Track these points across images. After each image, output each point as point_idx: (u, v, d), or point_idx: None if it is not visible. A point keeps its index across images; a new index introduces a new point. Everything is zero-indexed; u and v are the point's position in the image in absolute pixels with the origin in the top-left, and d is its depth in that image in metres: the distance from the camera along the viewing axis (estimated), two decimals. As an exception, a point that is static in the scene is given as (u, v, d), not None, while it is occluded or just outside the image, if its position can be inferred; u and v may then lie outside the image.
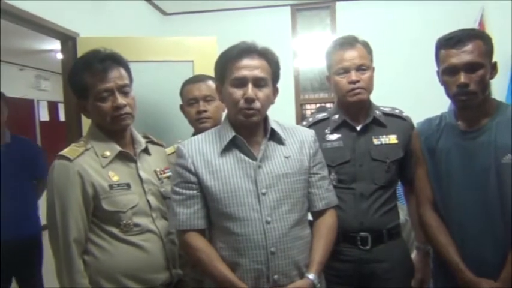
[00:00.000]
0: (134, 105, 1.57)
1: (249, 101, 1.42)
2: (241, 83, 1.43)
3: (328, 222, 1.56)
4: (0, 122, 2.87)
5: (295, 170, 1.49)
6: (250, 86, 1.42)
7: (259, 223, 1.41)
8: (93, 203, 1.47)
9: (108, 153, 1.52)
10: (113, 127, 1.54)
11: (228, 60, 1.46)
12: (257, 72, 1.43)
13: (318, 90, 4.69)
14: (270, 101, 1.50)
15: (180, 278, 1.64)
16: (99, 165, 1.50)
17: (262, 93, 1.44)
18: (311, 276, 1.44)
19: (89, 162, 1.48)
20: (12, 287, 2.96)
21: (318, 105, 4.59)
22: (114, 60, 1.53)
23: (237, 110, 1.44)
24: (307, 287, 1.43)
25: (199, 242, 1.45)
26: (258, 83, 1.44)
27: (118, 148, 1.54)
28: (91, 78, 1.49)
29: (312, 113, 4.64)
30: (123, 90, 1.53)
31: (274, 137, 1.51)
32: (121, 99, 1.50)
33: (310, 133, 1.61)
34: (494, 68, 1.56)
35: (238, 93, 1.43)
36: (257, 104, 1.43)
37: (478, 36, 1.52)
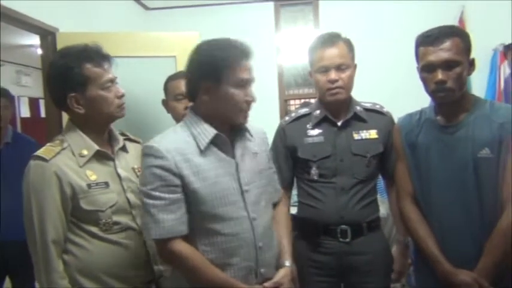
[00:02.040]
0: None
1: (250, 103, 1.45)
2: (244, 84, 1.42)
3: (283, 212, 1.70)
4: (5, 122, 2.85)
5: (263, 165, 1.55)
6: (251, 88, 1.45)
7: (247, 220, 1.42)
8: (72, 203, 1.44)
9: (85, 152, 1.50)
10: (115, 116, 1.55)
11: (227, 61, 1.39)
12: (253, 75, 1.46)
13: (302, 86, 4.70)
14: None
15: (161, 274, 1.63)
16: (76, 165, 1.47)
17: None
18: (288, 263, 1.51)
19: (65, 162, 1.45)
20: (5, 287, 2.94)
21: (302, 100, 4.60)
22: (105, 55, 1.55)
23: (238, 111, 1.43)
24: (290, 275, 1.50)
25: (186, 248, 1.38)
26: (251, 84, 1.46)
27: (96, 147, 1.52)
28: (95, 68, 1.49)
29: (296, 109, 4.65)
30: (117, 81, 1.56)
31: (245, 134, 1.52)
32: (121, 89, 1.56)
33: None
34: (472, 64, 1.58)
35: (241, 95, 1.42)
36: (252, 105, 1.47)
37: (456, 34, 1.54)
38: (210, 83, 1.40)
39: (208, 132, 1.41)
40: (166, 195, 1.36)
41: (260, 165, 1.52)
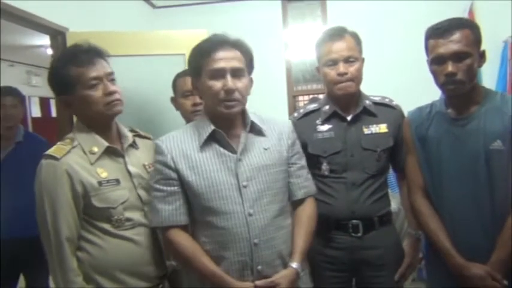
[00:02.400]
0: (121, 93, 1.56)
1: (229, 92, 1.43)
2: (220, 74, 1.44)
3: (308, 211, 1.60)
4: (16, 121, 2.89)
5: (274, 161, 1.51)
6: (229, 77, 1.43)
7: (241, 216, 1.43)
8: (83, 200, 1.46)
9: (96, 149, 1.51)
10: (105, 114, 1.52)
11: (202, 54, 1.46)
12: (234, 63, 1.45)
13: (311, 82, 4.68)
14: (248, 91, 1.51)
15: (174, 268, 1.65)
16: (87, 163, 1.48)
17: (241, 84, 1.46)
18: (294, 265, 1.47)
19: (76, 160, 1.47)
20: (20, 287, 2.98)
21: (311, 96, 4.60)
22: (97, 52, 1.54)
23: (217, 101, 1.45)
24: (292, 276, 1.46)
25: (182, 238, 1.46)
26: (236, 73, 1.45)
27: (105, 144, 1.53)
28: (78, 68, 1.48)
29: (304, 105, 4.64)
30: (110, 78, 1.53)
31: (254, 129, 1.52)
32: (111, 86, 1.51)
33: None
34: (482, 56, 1.57)
35: (217, 85, 1.43)
36: (237, 95, 1.45)
37: (466, 26, 1.53)
38: (194, 78, 1.52)
39: (207, 128, 1.47)
40: (164, 188, 1.46)
41: (268, 161, 1.50)
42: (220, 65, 1.43)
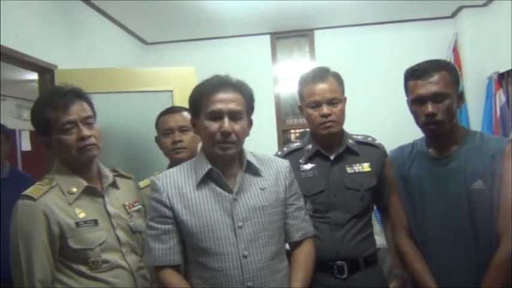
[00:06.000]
0: (99, 137, 1.56)
1: (226, 134, 1.42)
2: (217, 116, 1.43)
3: (305, 252, 1.56)
4: (0, 156, 2.84)
5: (271, 201, 1.49)
6: (226, 119, 1.42)
7: (235, 257, 1.39)
8: (60, 242, 1.43)
9: (74, 190, 1.50)
10: (79, 159, 1.51)
11: (202, 94, 1.46)
12: (233, 106, 1.44)
13: (300, 115, 4.74)
14: (245, 133, 1.50)
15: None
16: (65, 203, 1.47)
17: (238, 126, 1.45)
18: None
19: (54, 200, 1.45)
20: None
21: (302, 129, 4.63)
22: (76, 94, 1.54)
23: (213, 143, 1.44)
24: None
25: (174, 279, 1.42)
26: (233, 116, 1.44)
27: (85, 183, 1.52)
28: (54, 112, 1.49)
29: (296, 137, 4.68)
30: (87, 121, 1.53)
31: (250, 168, 1.51)
32: (85, 131, 1.50)
33: (286, 163, 1.61)
34: (460, 97, 1.60)
35: (214, 126, 1.43)
36: (233, 137, 1.44)
37: (443, 68, 1.56)
38: (194, 116, 1.52)
39: (204, 167, 1.46)
40: (159, 226, 1.44)
41: (265, 202, 1.47)
42: (218, 106, 1.42)
